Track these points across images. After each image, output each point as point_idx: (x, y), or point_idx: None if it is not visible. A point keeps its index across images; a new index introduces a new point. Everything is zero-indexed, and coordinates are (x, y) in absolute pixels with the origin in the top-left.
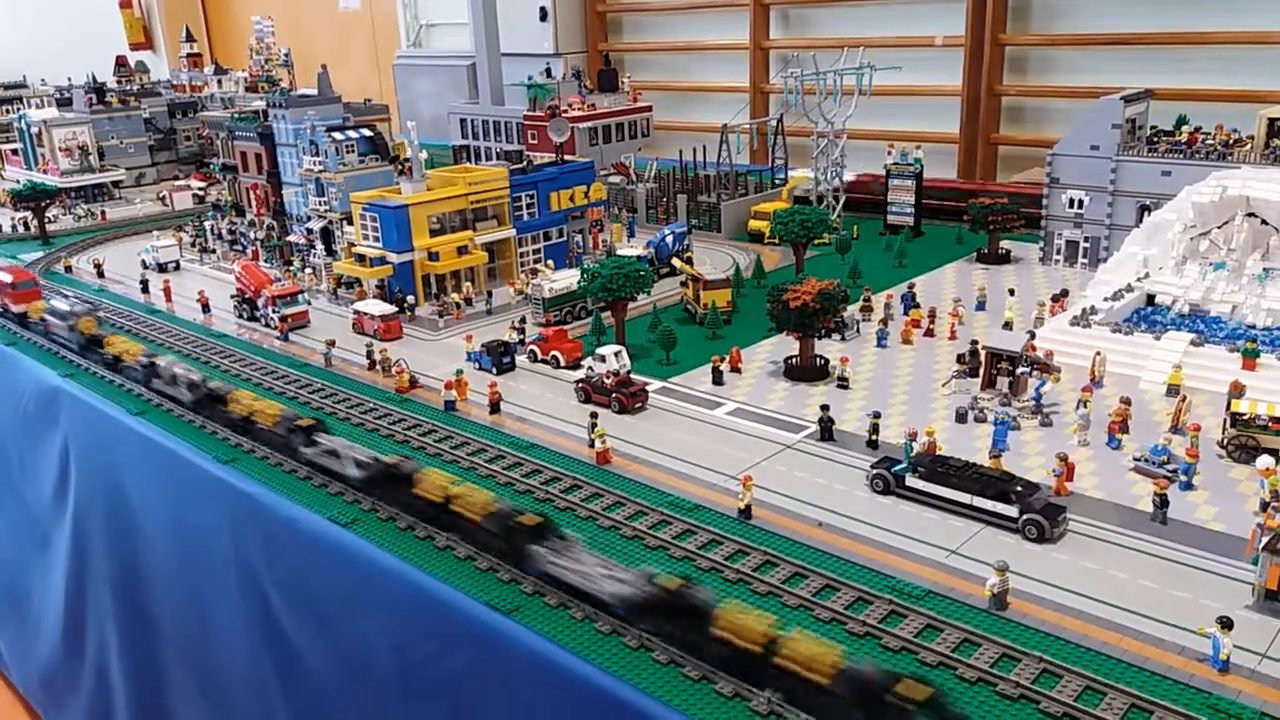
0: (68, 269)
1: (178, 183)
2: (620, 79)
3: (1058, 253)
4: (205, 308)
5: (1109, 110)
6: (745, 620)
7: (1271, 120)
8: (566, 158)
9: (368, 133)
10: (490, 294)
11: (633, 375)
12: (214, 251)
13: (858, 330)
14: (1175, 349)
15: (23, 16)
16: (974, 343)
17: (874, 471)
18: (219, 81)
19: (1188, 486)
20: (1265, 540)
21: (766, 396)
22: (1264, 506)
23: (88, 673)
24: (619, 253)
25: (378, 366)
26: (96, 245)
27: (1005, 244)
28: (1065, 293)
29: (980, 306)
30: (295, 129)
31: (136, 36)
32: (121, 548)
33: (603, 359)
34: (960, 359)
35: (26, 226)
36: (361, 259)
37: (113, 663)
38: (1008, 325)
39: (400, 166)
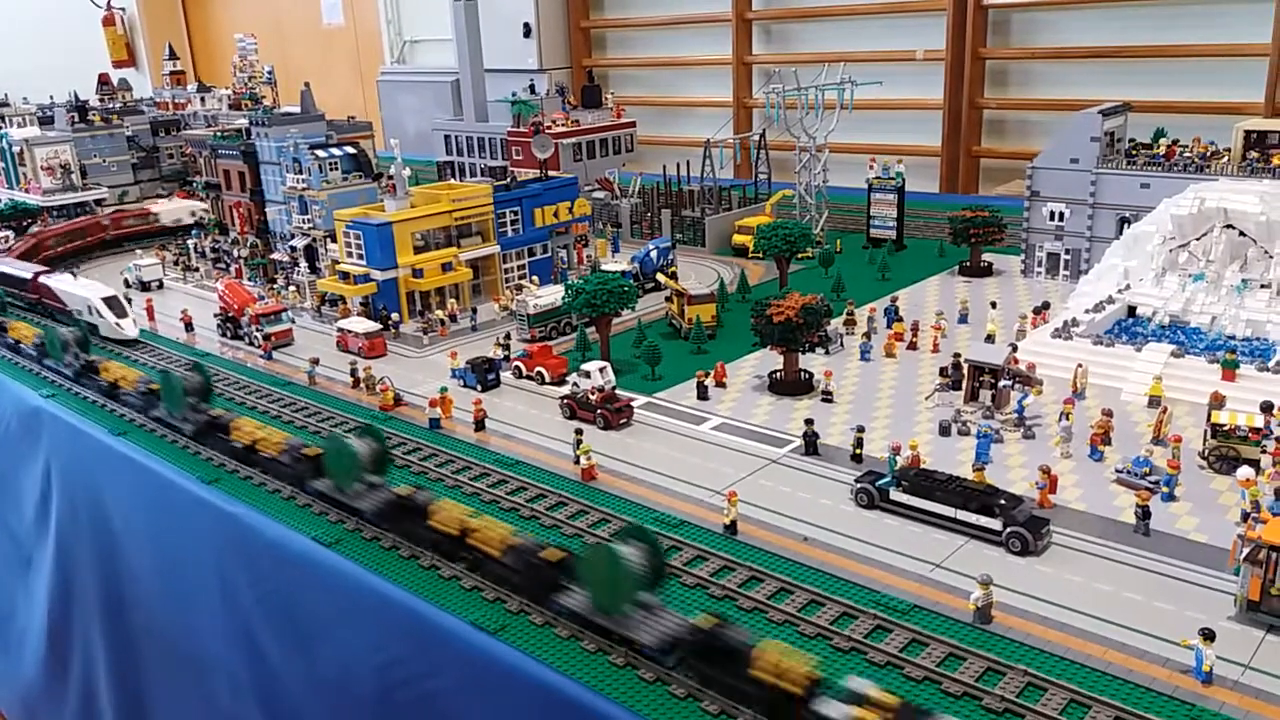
0: None
1: (161, 201)
2: (604, 94)
3: (1039, 265)
4: (188, 326)
5: (1088, 124)
6: (449, 512)
7: (1248, 133)
8: (550, 174)
9: (351, 150)
10: (475, 310)
11: (617, 391)
12: (197, 270)
13: (841, 344)
14: (1156, 360)
15: (3, 35)
16: (956, 356)
17: (858, 485)
18: (202, 99)
19: (1169, 498)
20: (1246, 551)
21: (751, 411)
22: (1245, 517)
23: (73, 694)
24: (603, 268)
25: (362, 384)
26: (79, 264)
27: (987, 257)
28: (1047, 305)
29: (962, 319)
30: (278, 147)
31: (119, 54)
32: (105, 569)
33: (587, 375)
34: (943, 372)
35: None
36: (345, 276)
37: (100, 683)
38: (990, 338)
39: (385, 183)
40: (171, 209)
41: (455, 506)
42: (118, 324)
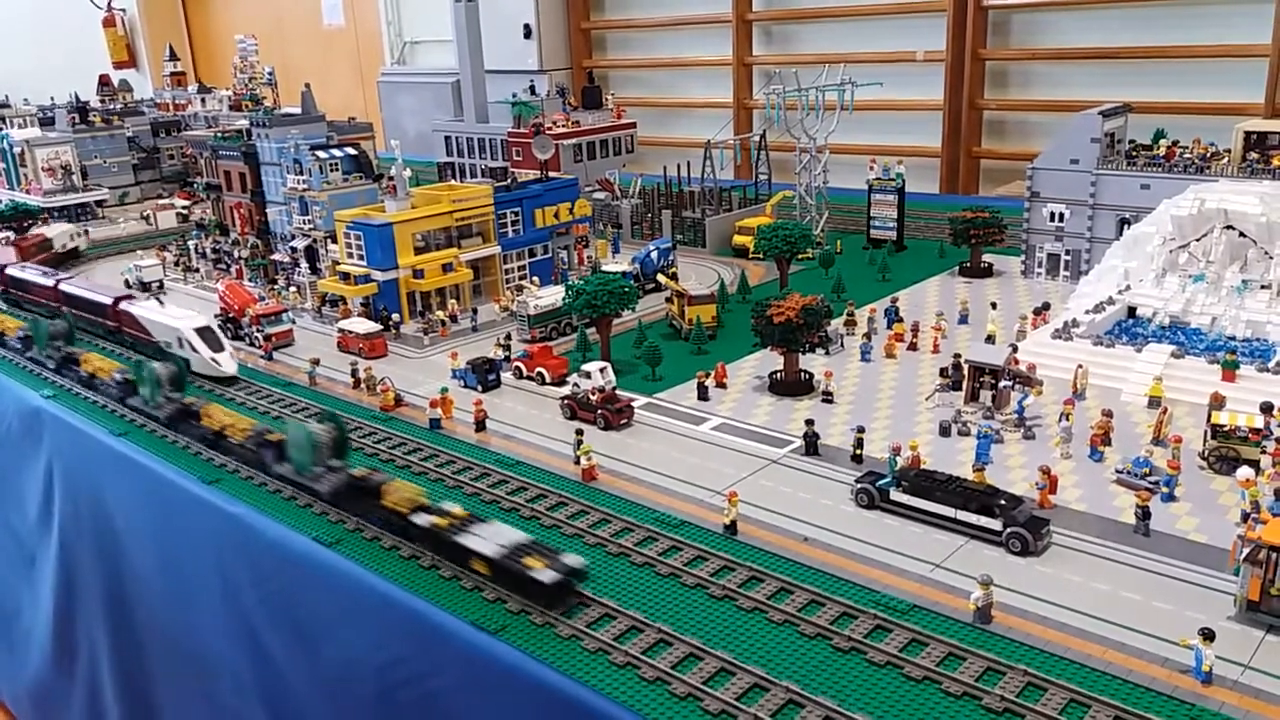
0: None
1: (161, 202)
2: (604, 95)
3: (1039, 266)
4: None
5: (1088, 125)
6: (214, 415)
7: (1248, 134)
8: (551, 174)
9: (352, 151)
10: (475, 311)
11: (618, 391)
12: (198, 270)
13: (841, 345)
14: (1156, 361)
15: (3, 35)
16: (957, 356)
17: (859, 486)
18: (203, 100)
19: (1169, 498)
20: (1246, 551)
21: (751, 411)
22: (1245, 518)
23: (79, 689)
24: (604, 269)
25: (362, 385)
26: (80, 265)
27: (987, 258)
28: (1047, 306)
29: (963, 320)
30: (279, 148)
31: (120, 55)
32: (108, 568)
33: (588, 375)
34: (943, 373)
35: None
36: (346, 277)
37: (105, 681)
38: (990, 339)
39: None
40: (58, 233)
41: (220, 410)
42: (214, 359)
